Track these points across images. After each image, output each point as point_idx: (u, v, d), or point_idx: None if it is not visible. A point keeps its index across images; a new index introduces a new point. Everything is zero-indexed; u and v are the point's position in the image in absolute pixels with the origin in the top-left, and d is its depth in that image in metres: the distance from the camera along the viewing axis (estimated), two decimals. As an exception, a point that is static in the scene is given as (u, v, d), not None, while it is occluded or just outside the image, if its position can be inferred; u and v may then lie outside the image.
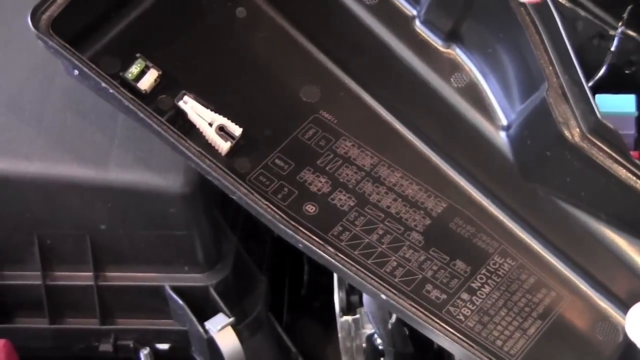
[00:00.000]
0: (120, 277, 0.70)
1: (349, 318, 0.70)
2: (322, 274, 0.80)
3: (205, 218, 0.67)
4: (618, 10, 0.69)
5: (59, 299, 0.70)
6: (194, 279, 0.69)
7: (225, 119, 0.62)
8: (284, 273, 0.83)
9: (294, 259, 0.84)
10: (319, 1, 0.65)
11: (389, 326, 0.66)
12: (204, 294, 0.69)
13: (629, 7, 0.68)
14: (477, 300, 0.58)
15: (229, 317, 0.69)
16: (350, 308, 0.70)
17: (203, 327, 0.69)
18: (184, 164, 0.64)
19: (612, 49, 0.59)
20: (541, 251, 0.60)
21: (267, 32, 0.65)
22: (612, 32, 0.69)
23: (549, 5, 0.57)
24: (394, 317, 0.66)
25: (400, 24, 0.63)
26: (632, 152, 0.64)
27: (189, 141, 0.59)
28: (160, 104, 0.63)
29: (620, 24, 0.68)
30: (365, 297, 0.67)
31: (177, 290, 0.69)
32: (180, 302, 0.69)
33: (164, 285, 0.69)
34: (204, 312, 0.69)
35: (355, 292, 0.70)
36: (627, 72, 0.73)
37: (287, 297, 0.83)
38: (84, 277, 0.69)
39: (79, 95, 0.67)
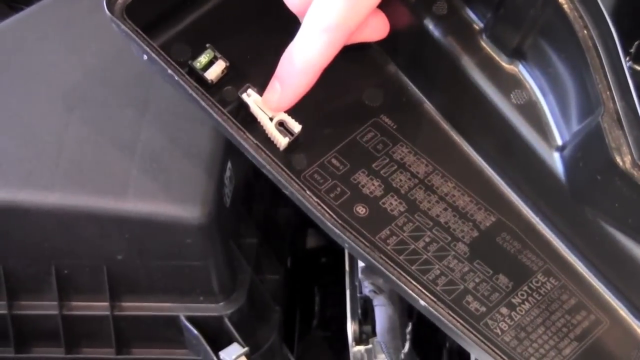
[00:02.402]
0: (136, 307, 0.70)
1: (361, 348, 0.70)
2: (333, 304, 0.81)
3: (221, 249, 0.68)
4: (626, 45, 0.70)
5: (75, 328, 0.71)
6: (208, 309, 0.70)
7: (286, 114, 0.62)
8: (295, 303, 0.84)
9: (305, 289, 0.85)
10: (390, 9, 0.65)
11: (402, 356, 0.67)
12: (218, 323, 0.70)
13: (637, 42, 0.69)
14: (516, 316, 0.59)
15: (243, 347, 0.69)
16: (362, 338, 0.71)
17: (217, 356, 0.69)
18: (200, 195, 0.66)
19: (618, 39, 0.59)
20: (585, 273, 0.61)
21: None
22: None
23: (611, 31, 0.57)
24: (407, 346, 0.66)
25: (466, 36, 0.63)
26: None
27: (247, 133, 0.60)
28: (225, 94, 0.64)
29: (628, 58, 0.69)
30: (378, 326, 0.68)
31: (192, 320, 0.70)
32: (195, 331, 0.70)
33: (179, 315, 0.70)
34: (219, 341, 0.70)
35: (368, 321, 0.71)
36: (635, 106, 0.74)
37: (299, 327, 0.84)
38: (100, 307, 0.70)
39: (97, 127, 0.68)
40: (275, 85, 0.62)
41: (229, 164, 0.69)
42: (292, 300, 0.82)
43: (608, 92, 0.57)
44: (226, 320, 0.70)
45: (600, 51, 0.58)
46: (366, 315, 0.70)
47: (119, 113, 0.68)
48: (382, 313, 0.68)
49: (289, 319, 0.81)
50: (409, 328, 0.67)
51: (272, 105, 0.62)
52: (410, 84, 0.66)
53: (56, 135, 0.68)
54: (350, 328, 0.70)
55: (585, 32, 0.58)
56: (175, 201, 0.66)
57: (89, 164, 0.67)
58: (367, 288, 0.68)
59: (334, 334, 0.82)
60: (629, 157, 0.57)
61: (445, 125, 0.65)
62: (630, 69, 0.69)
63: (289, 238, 0.82)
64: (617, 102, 0.57)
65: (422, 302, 0.57)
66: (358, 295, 0.70)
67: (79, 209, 0.66)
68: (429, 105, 0.65)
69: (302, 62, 0.61)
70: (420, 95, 0.66)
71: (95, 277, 0.69)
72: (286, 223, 0.81)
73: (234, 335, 0.70)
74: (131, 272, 0.69)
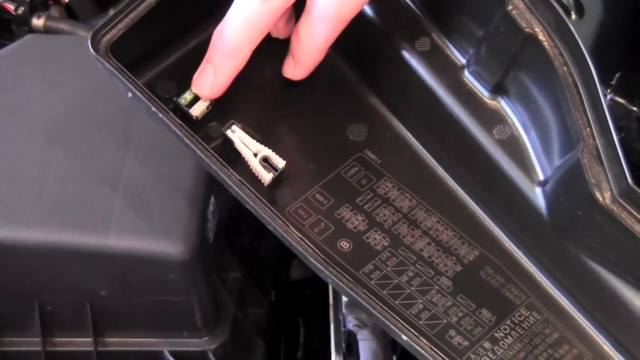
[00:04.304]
0: (119, 343, 0.70)
1: (346, 381, 0.70)
2: (318, 337, 0.81)
3: (204, 284, 0.68)
4: (607, 77, 0.70)
5: (59, 364, 0.71)
6: (192, 344, 0.70)
7: (270, 150, 0.63)
8: (280, 335, 0.84)
9: (289, 321, 0.85)
10: (374, 45, 0.66)
11: (387, 389, 0.67)
12: (202, 358, 0.70)
13: (618, 75, 0.69)
14: (499, 351, 0.59)
15: (228, 382, 0.70)
16: (347, 371, 0.71)
17: (202, 391, 0.69)
18: (183, 230, 0.65)
19: (596, 76, 0.59)
20: (567, 307, 0.61)
21: (322, 70, 0.66)
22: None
23: (590, 69, 0.57)
24: (391, 380, 0.66)
25: (449, 72, 0.64)
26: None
27: (231, 169, 0.60)
28: (210, 130, 0.64)
29: (609, 90, 0.70)
30: (362, 359, 0.68)
31: (176, 355, 0.70)
32: (179, 366, 0.70)
33: (162, 350, 0.70)
34: (202, 376, 0.70)
35: (352, 355, 0.70)
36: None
37: (283, 359, 0.83)
38: (83, 343, 0.70)
39: (79, 163, 0.68)
40: (207, 68, 0.63)
41: (212, 199, 0.69)
42: (277, 332, 0.82)
43: (588, 129, 0.58)
44: (210, 355, 0.70)
45: (580, 88, 0.58)
46: (350, 349, 0.70)
47: (101, 149, 0.68)
48: (366, 347, 0.67)
49: (273, 350, 0.80)
50: (394, 362, 0.67)
51: (205, 91, 0.63)
52: (395, 119, 0.66)
53: (38, 171, 0.67)
54: (335, 361, 0.70)
55: (565, 69, 0.59)
56: (158, 236, 0.66)
57: (71, 200, 0.67)
58: (350, 322, 0.68)
59: (319, 366, 0.82)
60: (609, 192, 0.57)
61: (430, 160, 0.65)
62: (612, 100, 0.70)
63: (273, 270, 0.82)
64: (597, 138, 0.57)
65: (404, 337, 0.57)
66: (342, 329, 0.70)
67: (61, 245, 0.66)
68: (413, 140, 0.66)
69: (233, 41, 0.62)
70: (404, 130, 0.66)
71: (78, 313, 0.69)
72: (270, 255, 0.81)
73: (217, 370, 0.70)
74: (114, 307, 0.68)
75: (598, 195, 0.57)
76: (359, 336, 0.68)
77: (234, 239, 0.76)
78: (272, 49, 0.66)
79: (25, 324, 0.69)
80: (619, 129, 0.69)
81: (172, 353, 0.70)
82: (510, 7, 0.60)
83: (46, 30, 0.88)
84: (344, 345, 0.70)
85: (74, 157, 0.68)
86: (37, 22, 0.88)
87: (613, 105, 0.69)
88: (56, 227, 0.66)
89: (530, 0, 0.60)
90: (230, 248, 0.74)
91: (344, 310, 0.68)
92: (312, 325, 0.85)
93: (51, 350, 0.70)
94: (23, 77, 0.72)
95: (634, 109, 0.72)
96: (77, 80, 0.71)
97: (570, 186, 0.58)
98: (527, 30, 0.60)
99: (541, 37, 0.59)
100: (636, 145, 0.72)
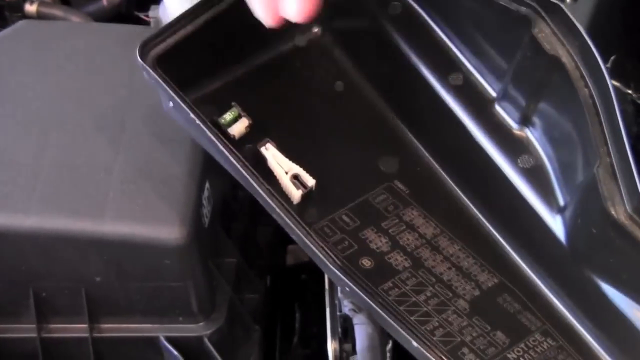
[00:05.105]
0: (115, 329, 0.70)
1: (342, 366, 0.70)
2: (314, 322, 0.81)
3: (200, 269, 0.68)
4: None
5: (54, 351, 0.71)
6: (188, 330, 0.70)
7: (301, 169, 0.64)
8: (276, 320, 0.84)
9: (286, 306, 0.85)
10: (409, 79, 0.68)
11: (382, 375, 0.67)
12: (198, 344, 0.70)
13: (612, 58, 0.70)
14: None
15: (224, 367, 0.69)
16: (343, 356, 0.71)
17: (198, 377, 0.69)
18: (179, 216, 0.65)
19: (614, 94, 0.60)
20: (583, 336, 0.61)
21: (359, 104, 0.69)
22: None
23: (610, 90, 0.58)
24: (387, 366, 0.66)
25: (480, 105, 0.66)
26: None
27: (267, 185, 0.61)
28: (245, 149, 0.65)
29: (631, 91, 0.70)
30: (358, 344, 0.68)
31: (172, 340, 0.70)
32: (175, 352, 0.70)
33: (158, 336, 0.70)
34: (199, 361, 0.70)
35: (348, 339, 0.70)
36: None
37: (279, 344, 0.83)
38: (79, 329, 0.70)
39: (74, 150, 0.68)
40: None
41: (207, 185, 0.69)
42: (273, 318, 0.82)
43: (605, 147, 0.58)
44: (206, 340, 0.70)
45: (599, 107, 0.59)
46: (346, 334, 0.70)
47: (96, 135, 0.68)
48: (362, 331, 0.67)
49: (269, 335, 0.81)
50: (389, 346, 0.67)
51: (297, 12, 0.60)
52: (426, 153, 0.67)
53: (33, 158, 0.67)
54: (331, 346, 0.70)
55: (586, 90, 0.60)
56: (154, 222, 0.66)
57: (66, 187, 0.66)
58: (346, 307, 0.68)
59: (314, 351, 0.82)
60: (622, 207, 0.57)
61: (456, 192, 0.66)
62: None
63: (269, 256, 0.82)
64: (612, 155, 0.58)
65: (414, 343, 0.58)
66: (338, 313, 0.70)
67: (56, 231, 0.66)
68: (441, 172, 0.67)
69: None
70: (434, 162, 0.67)
71: (73, 299, 0.69)
72: (265, 241, 0.81)
73: (213, 355, 0.70)
74: (110, 293, 0.68)
75: (612, 210, 0.57)
76: (355, 320, 0.68)
77: (229, 224, 0.76)
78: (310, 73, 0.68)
79: (20, 311, 0.69)
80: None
81: (168, 339, 0.70)
82: (536, 30, 0.61)
83: (39, 16, 0.88)
84: (339, 329, 0.70)
85: (69, 143, 0.68)
86: (30, 8, 0.88)
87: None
88: (51, 213, 0.66)
89: (556, 25, 0.61)
90: (226, 234, 0.74)
91: (339, 294, 0.68)
92: (308, 310, 0.86)
93: (46, 336, 0.70)
94: (16, 63, 0.72)
95: (629, 92, 0.72)
96: (70, 66, 0.71)
97: (585, 204, 0.59)
98: (551, 52, 0.61)
99: (564, 59, 0.60)
100: (632, 128, 0.72)
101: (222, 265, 0.73)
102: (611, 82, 0.59)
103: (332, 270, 0.60)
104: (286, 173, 0.64)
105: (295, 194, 0.64)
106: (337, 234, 0.63)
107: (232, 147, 0.62)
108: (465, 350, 0.60)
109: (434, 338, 0.60)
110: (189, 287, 0.68)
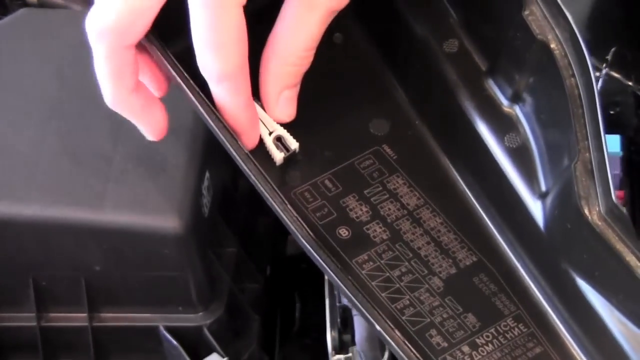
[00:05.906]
0: (114, 318, 0.70)
1: (341, 357, 0.70)
2: (314, 311, 0.81)
3: (199, 259, 0.68)
4: (602, 52, 0.70)
5: (54, 340, 0.71)
6: (187, 319, 0.70)
7: (285, 131, 0.62)
8: (276, 310, 0.84)
9: (285, 295, 0.85)
10: (406, 40, 0.66)
11: (381, 365, 0.67)
12: (197, 333, 0.70)
13: (613, 49, 0.69)
14: (477, 356, 0.59)
15: (223, 357, 0.69)
16: (342, 346, 0.71)
17: (197, 366, 0.69)
18: (178, 205, 0.65)
19: (597, 89, 0.59)
20: (555, 325, 0.60)
21: (356, 59, 0.66)
22: (597, 74, 0.70)
23: (592, 83, 0.57)
24: (386, 356, 0.66)
25: (473, 76, 0.64)
26: (617, 192, 0.64)
27: (240, 143, 0.59)
28: None
29: (604, 65, 0.69)
30: (357, 335, 0.68)
31: (171, 330, 0.70)
32: (174, 342, 0.70)
33: (158, 326, 0.70)
34: (198, 352, 0.70)
35: (347, 330, 0.71)
36: (611, 112, 0.75)
37: (279, 334, 0.84)
38: (78, 318, 0.70)
39: (73, 138, 0.68)
40: None
41: (207, 174, 0.69)
42: (273, 307, 0.82)
43: (585, 142, 0.57)
44: (205, 330, 0.70)
45: (584, 101, 0.58)
46: (346, 324, 0.70)
47: (96, 123, 0.68)
48: (361, 322, 0.68)
49: (269, 325, 0.81)
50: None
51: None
52: (418, 118, 0.66)
53: (32, 146, 0.67)
54: (330, 337, 0.70)
55: (572, 80, 0.59)
56: (153, 212, 0.65)
57: (66, 175, 0.66)
58: (345, 297, 0.68)
59: (314, 341, 0.82)
60: (596, 208, 0.56)
61: (444, 162, 0.65)
62: (607, 75, 0.69)
63: (269, 246, 0.82)
64: (591, 152, 0.57)
65: (377, 327, 0.57)
66: (337, 304, 0.70)
67: (56, 220, 0.66)
68: (431, 140, 0.65)
69: None
70: (425, 129, 0.65)
71: (73, 288, 0.69)
72: (265, 231, 0.81)
73: (213, 345, 0.70)
74: (109, 283, 0.68)
75: (586, 209, 0.56)
76: (355, 311, 0.68)
77: (229, 214, 0.76)
78: None
79: (20, 300, 0.69)
80: (614, 104, 0.70)
81: (168, 328, 0.70)
82: (526, 13, 0.60)
83: (40, 4, 0.87)
84: (339, 320, 0.70)
85: (69, 132, 0.68)
86: (31, -5, 0.87)
87: (608, 80, 0.69)
88: (51, 202, 0.66)
89: (547, 8, 0.59)
90: (225, 223, 0.74)
91: (339, 285, 0.68)
92: (307, 300, 0.86)
93: (46, 325, 0.70)
94: (17, 52, 0.72)
95: (630, 83, 0.72)
96: (71, 55, 0.71)
97: (562, 198, 0.58)
98: (539, 37, 0.59)
99: (553, 45, 0.59)
100: (632, 120, 0.72)
101: (222, 255, 0.73)
102: (595, 77, 0.58)
103: (303, 244, 0.58)
104: (270, 134, 0.63)
105: (277, 156, 0.62)
106: (317, 199, 0.62)
107: (211, 106, 0.60)
108: (433, 332, 0.59)
109: (403, 317, 0.59)
110: (188, 276, 0.68)
